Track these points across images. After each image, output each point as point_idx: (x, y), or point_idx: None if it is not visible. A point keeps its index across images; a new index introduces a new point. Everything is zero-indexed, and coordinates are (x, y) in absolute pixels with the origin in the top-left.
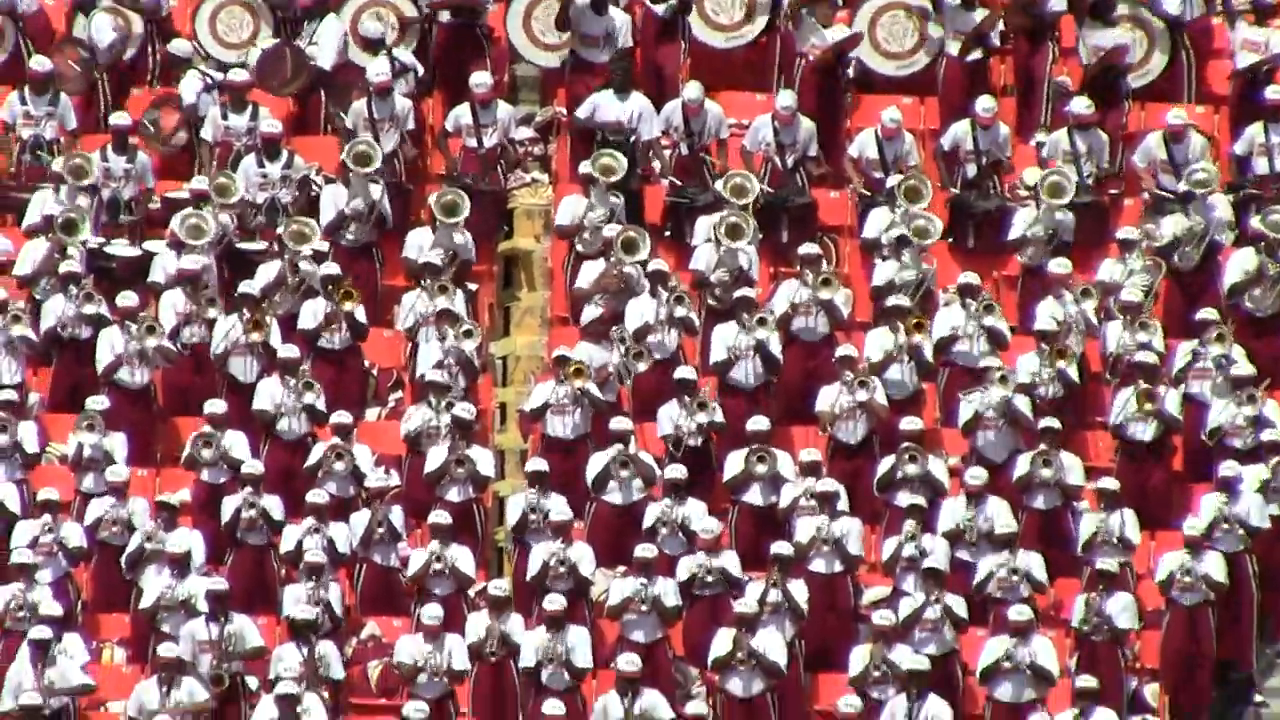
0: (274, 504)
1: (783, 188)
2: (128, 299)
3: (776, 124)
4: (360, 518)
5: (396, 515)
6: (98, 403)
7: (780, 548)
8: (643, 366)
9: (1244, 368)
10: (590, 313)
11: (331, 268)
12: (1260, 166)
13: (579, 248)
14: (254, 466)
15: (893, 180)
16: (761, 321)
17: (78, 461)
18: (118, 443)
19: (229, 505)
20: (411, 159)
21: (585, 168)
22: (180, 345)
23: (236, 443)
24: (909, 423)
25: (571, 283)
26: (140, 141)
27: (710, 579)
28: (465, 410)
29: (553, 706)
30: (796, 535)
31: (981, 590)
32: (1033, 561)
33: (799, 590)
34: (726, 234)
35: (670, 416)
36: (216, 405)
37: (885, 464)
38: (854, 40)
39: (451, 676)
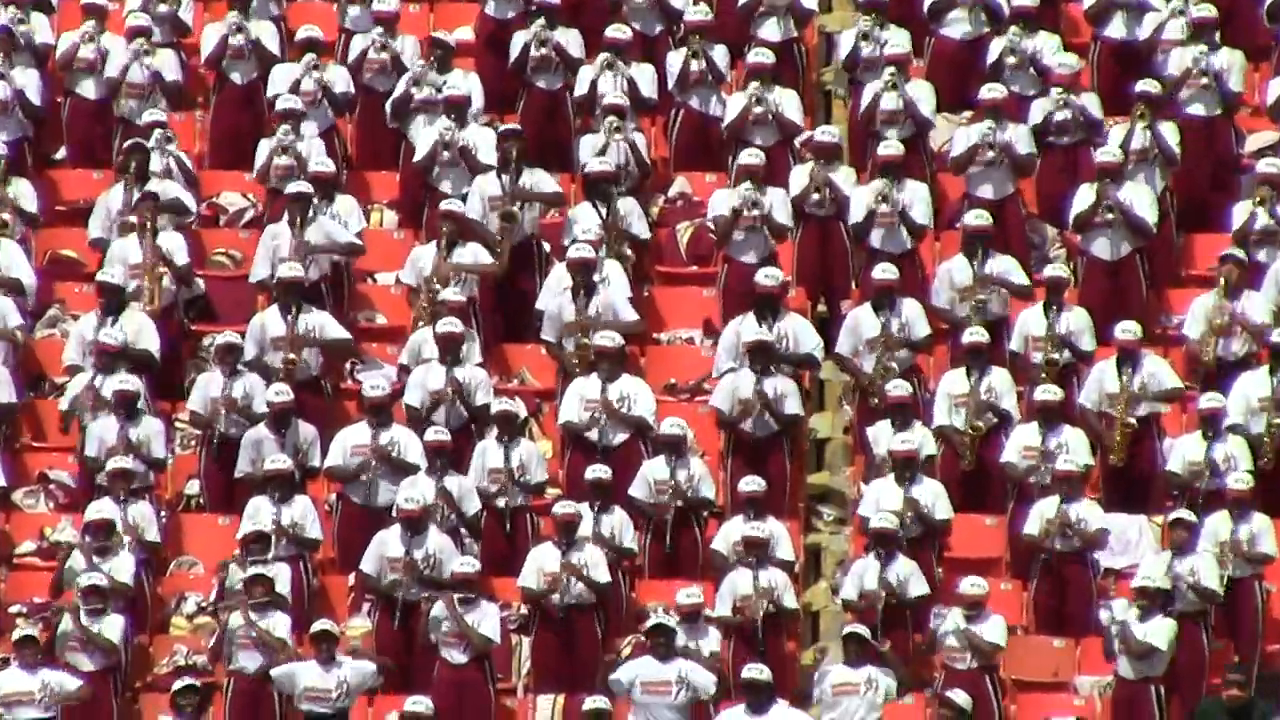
0: (572, 38)
1: None
2: None
3: None
4: (676, 56)
5: (719, 53)
6: None
7: (1147, 85)
8: None
9: None
10: None
11: None
12: None
13: None
14: None
15: None
16: None
17: None
18: None
19: (518, 41)
20: None
21: None
22: None
23: None
24: None
25: None
26: None
27: (1067, 122)
28: None
29: (885, 270)
30: (1167, 69)
31: None
32: None
33: (1169, 133)
34: None
35: None
36: None
37: None
38: None
39: (772, 230)
